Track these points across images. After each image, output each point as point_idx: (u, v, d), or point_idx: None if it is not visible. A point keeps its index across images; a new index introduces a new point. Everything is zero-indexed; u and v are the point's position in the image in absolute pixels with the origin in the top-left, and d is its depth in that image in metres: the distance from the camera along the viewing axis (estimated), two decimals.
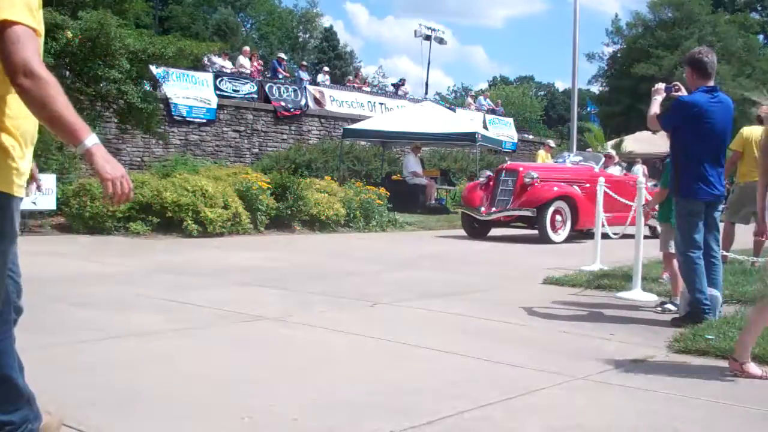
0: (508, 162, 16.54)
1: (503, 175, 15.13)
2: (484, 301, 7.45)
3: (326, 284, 8.01)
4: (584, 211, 14.16)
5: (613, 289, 8.18)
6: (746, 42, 50.67)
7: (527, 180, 14.50)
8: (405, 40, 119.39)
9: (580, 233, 15.40)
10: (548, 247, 13.71)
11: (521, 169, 15.13)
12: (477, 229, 15.36)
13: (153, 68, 17.45)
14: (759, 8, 59.16)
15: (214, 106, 23.67)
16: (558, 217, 14.58)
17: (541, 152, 23.03)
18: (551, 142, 26.44)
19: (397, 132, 20.90)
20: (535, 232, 14.93)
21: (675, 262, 7.02)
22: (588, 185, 14.55)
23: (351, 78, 35.62)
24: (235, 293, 7.35)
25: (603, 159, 16.82)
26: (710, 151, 6.31)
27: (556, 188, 14.61)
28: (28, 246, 10.79)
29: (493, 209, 14.69)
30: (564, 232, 14.60)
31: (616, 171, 16.73)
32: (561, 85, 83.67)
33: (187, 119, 22.95)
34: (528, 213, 14.47)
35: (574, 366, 4.78)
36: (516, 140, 35.05)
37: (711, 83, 6.37)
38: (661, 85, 6.96)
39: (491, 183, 15.23)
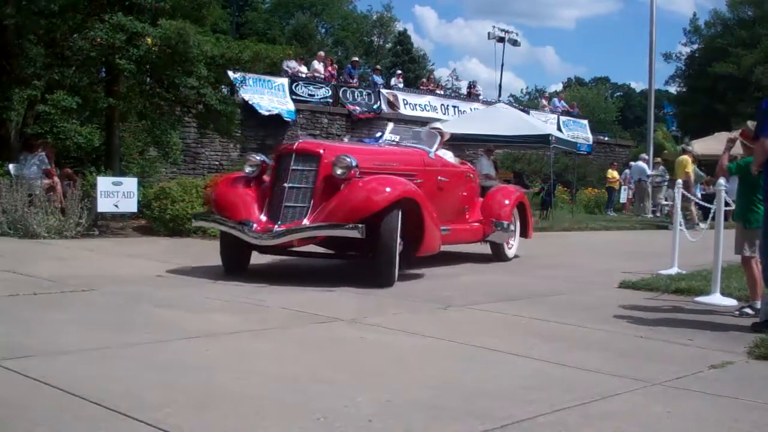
0: (302, 139, 9.11)
1: (293, 162, 8.35)
2: (558, 304, 7.40)
3: (398, 287, 8.03)
4: (431, 225, 8.58)
5: (691, 294, 8.05)
6: None
7: (339, 171, 8.17)
8: (474, 42, 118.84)
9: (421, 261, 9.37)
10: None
11: (322, 151, 8.45)
12: (244, 257, 8.87)
13: (230, 73, 17.71)
14: None
15: (293, 108, 23.97)
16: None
17: (684, 158, 21.23)
18: (693, 147, 23.79)
19: (470, 134, 20.78)
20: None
21: (754, 266, 6.88)
22: (420, 180, 9.22)
23: (424, 81, 35.62)
24: (310, 295, 7.43)
25: (438, 138, 10.41)
26: None
27: (388, 187, 8.14)
28: (111, 248, 11.09)
29: (278, 226, 8.08)
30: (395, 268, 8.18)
31: (448, 156, 10.89)
32: (637, 86, 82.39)
33: (274, 113, 23.28)
34: (350, 232, 7.78)
35: (651, 371, 4.72)
36: (591, 142, 34.63)
37: None
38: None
39: (267, 177, 8.89)
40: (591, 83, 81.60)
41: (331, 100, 25.74)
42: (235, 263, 8.69)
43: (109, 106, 14.95)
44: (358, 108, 25.94)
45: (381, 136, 10.59)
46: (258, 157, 8.91)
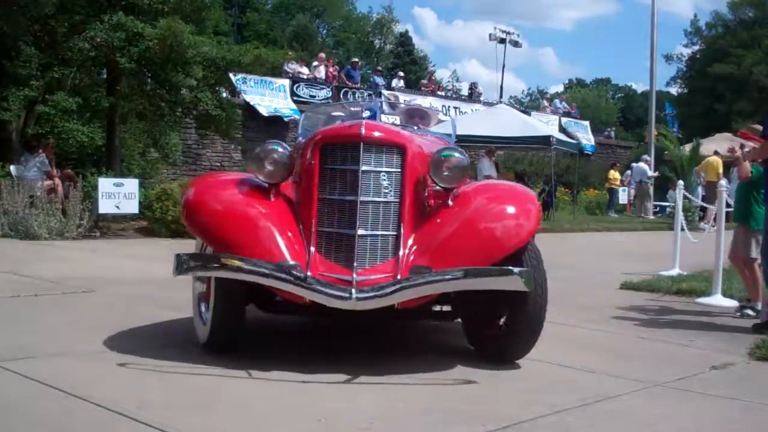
0: (364, 120, 5.18)
1: (362, 158, 4.74)
2: (559, 305, 7.38)
3: None
4: None
5: (692, 295, 8.05)
6: None
7: (446, 175, 4.91)
8: (474, 43, 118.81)
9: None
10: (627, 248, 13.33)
11: (406, 143, 4.93)
12: (241, 322, 4.94)
13: (231, 75, 17.74)
14: None
15: (296, 107, 24.05)
16: None
17: (715, 159, 21.00)
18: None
19: (471, 135, 20.77)
20: None
21: (756, 268, 6.89)
22: None
23: (425, 82, 35.64)
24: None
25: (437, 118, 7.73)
26: None
27: (524, 205, 5.01)
28: (112, 249, 11.09)
29: (357, 271, 4.54)
30: None
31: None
32: (638, 87, 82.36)
33: (276, 115, 23.32)
34: (511, 282, 4.40)
35: (653, 372, 4.73)
36: (593, 143, 34.63)
37: None
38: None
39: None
40: (592, 84, 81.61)
41: (331, 101, 25.76)
42: (230, 335, 4.89)
43: (110, 105, 14.96)
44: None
45: (372, 117, 5.80)
46: (282, 150, 4.98)
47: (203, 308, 4.98)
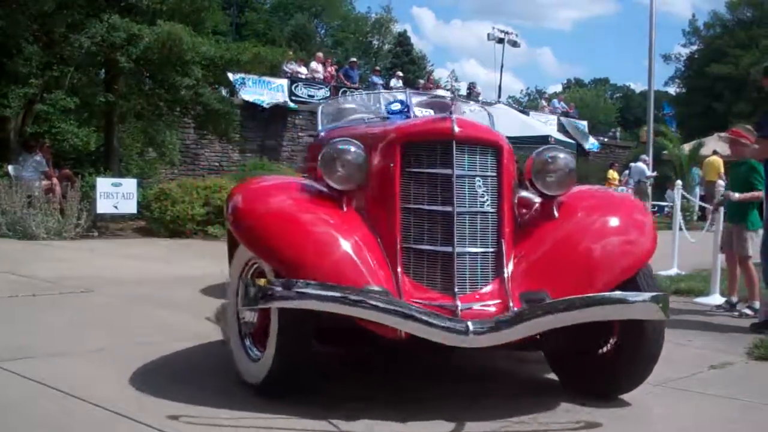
0: (454, 114, 4.10)
1: (455, 160, 3.98)
2: None
3: None
4: None
5: (691, 294, 8.05)
6: None
7: (551, 181, 4.26)
8: (472, 43, 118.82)
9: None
10: None
11: (502, 143, 4.27)
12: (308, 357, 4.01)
13: (230, 75, 17.74)
14: None
15: (293, 105, 24.05)
16: None
17: (716, 159, 21.00)
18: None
19: None
20: None
21: (751, 266, 6.91)
22: None
23: (423, 82, 35.62)
24: None
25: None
26: None
27: (634, 216, 4.36)
28: (110, 249, 11.07)
29: (459, 296, 3.82)
30: None
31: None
32: (637, 87, 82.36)
33: (277, 103, 23.34)
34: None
35: (652, 372, 4.72)
36: (594, 142, 34.64)
37: None
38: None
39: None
40: (590, 84, 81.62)
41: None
42: (295, 375, 3.97)
43: (108, 103, 14.94)
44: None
45: (405, 110, 5.89)
46: (357, 150, 4.14)
47: (250, 342, 4.13)
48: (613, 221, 4.15)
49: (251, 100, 22.93)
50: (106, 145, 16.25)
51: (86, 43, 13.95)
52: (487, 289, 3.85)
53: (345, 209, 4.01)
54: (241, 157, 21.92)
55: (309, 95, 25.09)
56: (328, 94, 25.75)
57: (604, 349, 4.13)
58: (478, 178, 3.99)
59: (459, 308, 3.68)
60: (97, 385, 3.99)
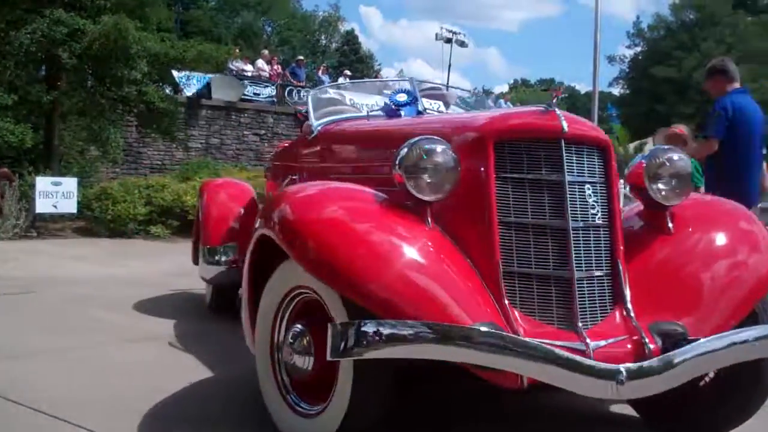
0: (555, 107, 3.39)
1: (565, 165, 3.27)
2: None
3: None
4: None
5: None
6: None
7: (664, 189, 3.58)
8: (419, 43, 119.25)
9: None
10: None
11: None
12: None
13: (174, 72, 17.58)
14: None
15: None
16: None
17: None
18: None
19: None
20: None
21: None
22: None
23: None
24: None
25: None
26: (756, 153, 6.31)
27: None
28: (50, 249, 10.86)
29: (585, 328, 3.10)
30: None
31: None
32: (582, 88, 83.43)
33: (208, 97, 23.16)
34: None
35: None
36: None
37: (738, 86, 6.39)
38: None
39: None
40: (537, 84, 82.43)
41: (276, 100, 25.59)
42: (368, 423, 3.24)
43: (50, 101, 14.67)
44: (304, 107, 25.76)
45: (413, 102, 5.33)
46: (446, 150, 3.32)
47: (295, 396, 3.39)
48: (740, 236, 3.51)
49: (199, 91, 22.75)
50: (46, 143, 15.94)
51: (26, 40, 13.68)
52: (611, 321, 3.14)
53: (430, 225, 3.21)
54: (185, 156, 21.68)
55: (255, 93, 24.92)
56: (274, 92, 25.60)
57: (703, 381, 3.50)
58: (587, 185, 3.31)
59: (591, 348, 2.94)
60: (35, 388, 3.88)
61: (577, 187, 3.25)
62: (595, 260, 3.24)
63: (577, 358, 2.78)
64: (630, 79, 57.86)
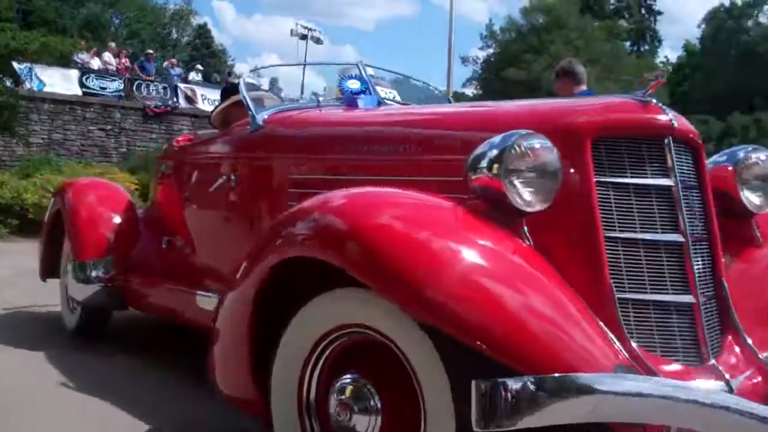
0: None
1: (675, 167, 2.76)
2: None
3: None
4: None
5: None
6: (613, 48, 52.43)
7: None
8: (274, 38, 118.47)
9: None
10: None
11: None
12: None
13: (15, 65, 16.85)
14: (626, 15, 61.44)
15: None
16: None
17: None
18: None
19: None
20: None
21: None
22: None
23: (218, 77, 35.02)
24: None
25: None
26: None
27: None
28: None
29: (714, 358, 2.64)
30: None
31: None
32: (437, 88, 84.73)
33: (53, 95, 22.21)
34: None
35: None
36: None
37: (585, 88, 6.45)
38: None
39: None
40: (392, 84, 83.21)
41: (123, 94, 24.78)
42: None
43: None
44: (152, 102, 25.07)
45: (366, 91, 4.61)
46: (549, 147, 2.61)
47: None
48: None
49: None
50: None
51: None
52: (730, 351, 2.67)
53: (531, 243, 2.58)
54: (26, 152, 20.70)
55: (101, 87, 24.07)
56: (122, 86, 24.81)
57: None
58: (694, 191, 2.82)
59: (733, 386, 2.47)
60: None
61: (682, 193, 2.73)
62: (703, 276, 2.74)
63: (751, 403, 2.18)
64: (483, 80, 59.15)
